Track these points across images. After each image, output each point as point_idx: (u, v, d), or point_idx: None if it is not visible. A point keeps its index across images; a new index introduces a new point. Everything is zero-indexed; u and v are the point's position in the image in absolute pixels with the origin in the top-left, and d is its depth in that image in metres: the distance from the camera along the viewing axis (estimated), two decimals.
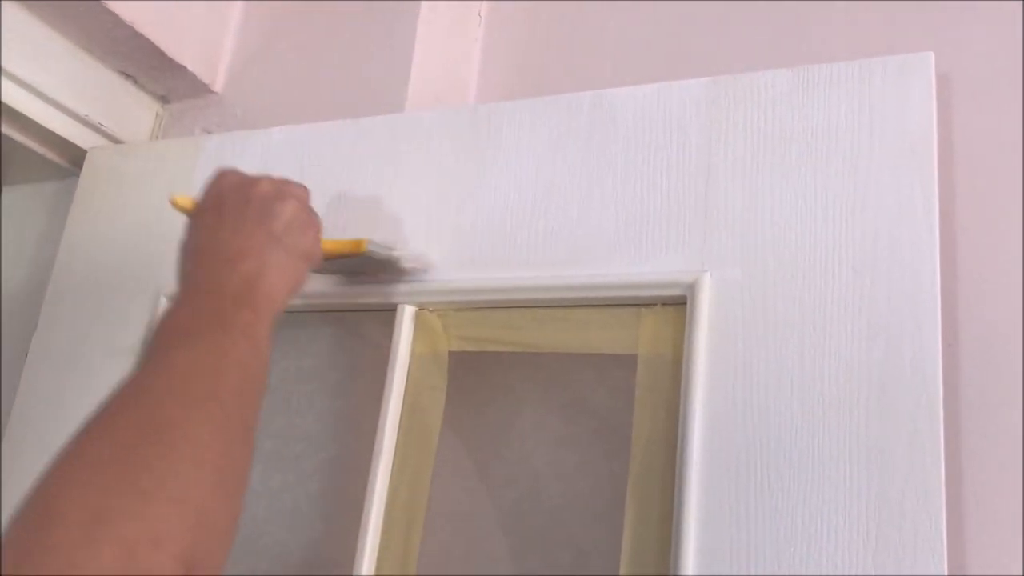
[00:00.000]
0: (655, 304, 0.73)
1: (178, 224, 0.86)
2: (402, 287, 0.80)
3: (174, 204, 0.71)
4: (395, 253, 0.79)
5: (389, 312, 0.80)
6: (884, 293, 0.65)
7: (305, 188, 0.69)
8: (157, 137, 1.11)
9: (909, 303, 0.64)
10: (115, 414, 0.48)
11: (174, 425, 0.48)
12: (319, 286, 0.82)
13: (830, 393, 0.64)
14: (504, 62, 1.06)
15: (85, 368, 0.92)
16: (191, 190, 0.92)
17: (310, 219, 0.68)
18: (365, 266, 0.79)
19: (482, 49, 1.07)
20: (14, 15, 0.96)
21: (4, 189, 1.17)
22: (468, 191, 0.81)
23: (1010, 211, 0.73)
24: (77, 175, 1.08)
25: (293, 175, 0.87)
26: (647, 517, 0.67)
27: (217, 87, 1.09)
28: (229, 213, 0.64)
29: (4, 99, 0.97)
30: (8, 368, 1.03)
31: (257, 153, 0.92)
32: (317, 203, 0.85)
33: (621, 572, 0.66)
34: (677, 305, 0.72)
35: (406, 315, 0.80)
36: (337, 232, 0.81)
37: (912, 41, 0.83)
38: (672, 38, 0.98)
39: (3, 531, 0.43)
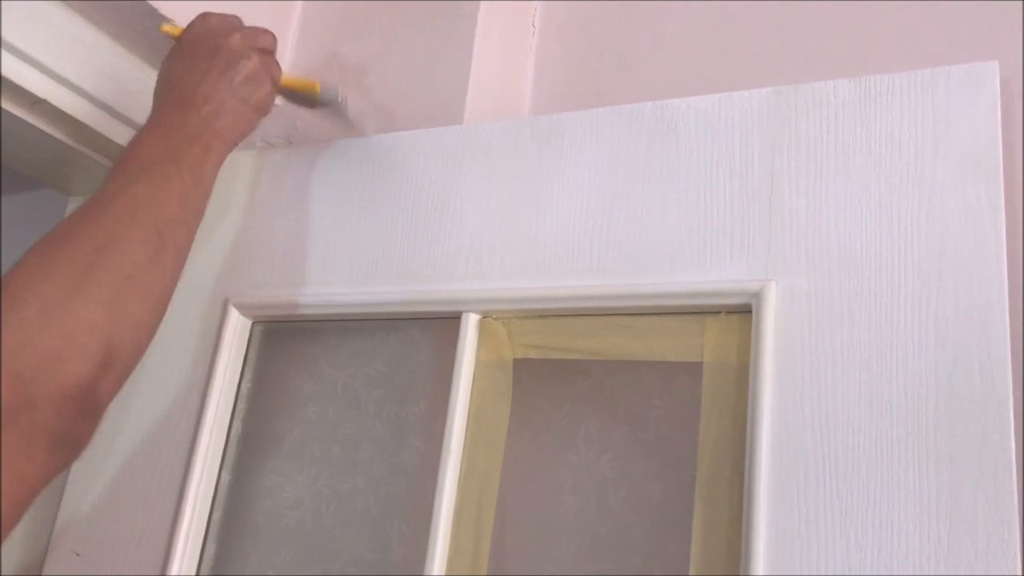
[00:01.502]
0: (719, 312, 0.74)
1: (242, 236, 0.90)
2: (465, 295, 0.82)
3: (162, 30, 0.84)
4: (340, 95, 0.91)
5: (454, 320, 0.82)
6: (951, 302, 0.65)
7: (272, 37, 0.82)
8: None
9: (977, 311, 0.64)
10: (74, 227, 0.62)
11: (117, 242, 0.61)
12: (385, 297, 0.85)
13: (898, 401, 0.64)
14: (558, 71, 1.07)
15: (151, 372, 0.94)
16: (254, 202, 0.95)
17: (267, 74, 0.80)
18: (315, 104, 0.90)
19: (536, 58, 1.08)
20: (82, 32, 0.99)
21: (71, 199, 1.20)
22: (531, 201, 0.83)
23: None
24: None
25: (357, 187, 0.90)
26: (715, 522, 0.69)
27: (277, 99, 1.11)
28: (200, 58, 0.76)
29: (72, 112, 1.00)
30: None
31: (322, 166, 0.94)
32: (385, 211, 0.88)
33: (692, 565, 0.67)
34: (741, 313, 0.73)
35: (470, 323, 0.82)
36: (410, 239, 0.84)
37: (968, 46, 0.84)
38: (723, 47, 0.99)
39: None
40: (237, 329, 0.92)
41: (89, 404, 0.57)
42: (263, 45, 0.80)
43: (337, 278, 0.88)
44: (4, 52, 0.92)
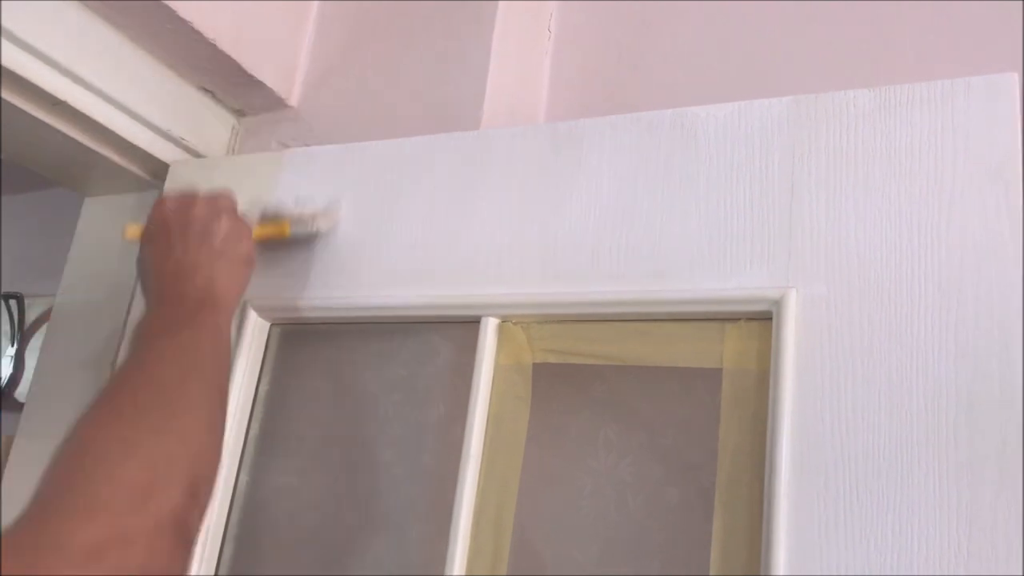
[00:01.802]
0: (739, 319, 0.75)
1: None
2: (486, 300, 0.83)
3: (126, 234, 0.85)
4: (314, 228, 0.91)
5: (473, 324, 0.83)
6: (971, 312, 0.66)
7: (231, 198, 0.83)
8: (233, 151, 1.14)
9: (996, 321, 0.65)
10: (127, 379, 0.64)
11: (174, 387, 0.63)
12: (404, 301, 0.85)
13: (918, 409, 0.65)
14: (573, 76, 1.08)
15: None
16: (273, 204, 0.95)
17: (243, 229, 0.82)
18: (293, 241, 0.91)
19: (552, 64, 1.09)
20: (102, 34, 1.00)
21: (86, 200, 1.20)
22: (550, 206, 0.83)
23: None
24: (157, 187, 1.12)
25: (374, 190, 0.91)
26: (735, 527, 0.69)
27: (293, 101, 1.12)
28: (175, 237, 0.78)
29: (91, 114, 1.01)
30: (94, 380, 1.07)
31: (340, 169, 0.94)
32: (403, 215, 0.89)
33: (712, 572, 0.68)
34: (761, 320, 0.74)
35: (490, 327, 0.82)
36: (429, 244, 0.85)
37: (987, 57, 0.84)
38: (740, 53, 1.00)
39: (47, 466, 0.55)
40: (256, 331, 0.93)
41: (183, 536, 0.56)
42: (225, 205, 0.81)
43: (356, 281, 0.89)
44: (24, 53, 0.93)
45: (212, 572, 0.87)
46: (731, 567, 0.68)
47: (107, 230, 1.17)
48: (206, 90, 1.11)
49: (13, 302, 1.60)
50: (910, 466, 0.64)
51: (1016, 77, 0.70)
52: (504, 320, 0.83)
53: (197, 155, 1.10)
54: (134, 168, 1.11)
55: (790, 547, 0.65)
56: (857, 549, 0.64)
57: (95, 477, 0.53)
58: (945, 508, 0.62)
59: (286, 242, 0.91)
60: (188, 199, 0.81)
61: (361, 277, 0.89)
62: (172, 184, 1.06)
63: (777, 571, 0.65)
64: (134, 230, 0.83)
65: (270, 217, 0.92)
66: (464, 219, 0.86)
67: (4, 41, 0.90)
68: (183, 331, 0.69)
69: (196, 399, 0.64)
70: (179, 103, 1.08)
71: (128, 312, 1.05)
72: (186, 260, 0.76)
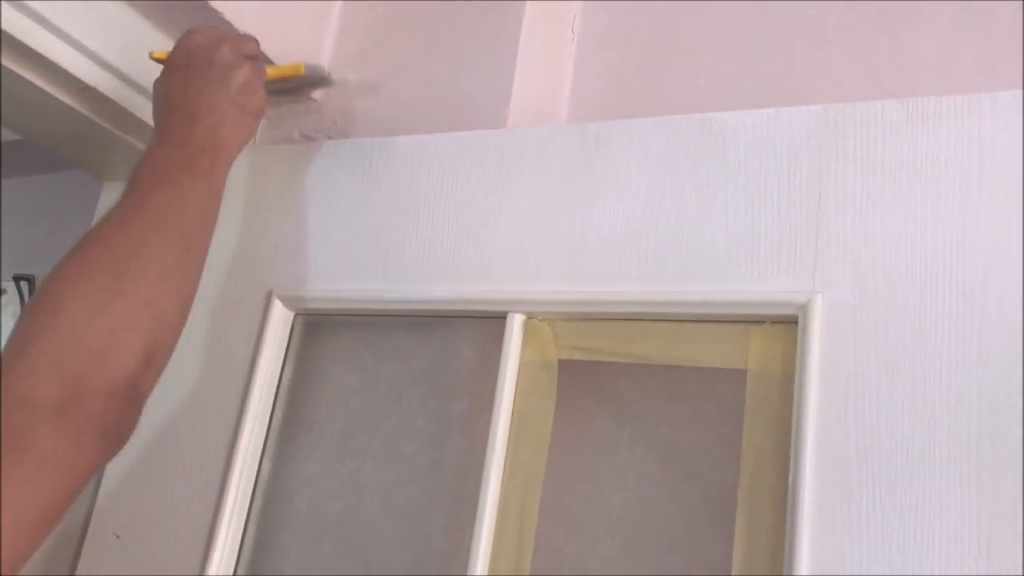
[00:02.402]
0: (764, 322, 0.76)
1: (286, 230, 0.92)
2: (512, 296, 0.84)
3: (152, 56, 0.89)
4: (326, 69, 0.98)
5: (499, 320, 0.84)
6: (994, 320, 0.68)
7: (256, 43, 0.87)
8: (255, 141, 1.15)
9: (1019, 331, 0.67)
10: (106, 235, 0.67)
11: (149, 247, 0.67)
12: (430, 295, 0.86)
13: (941, 415, 0.67)
14: (596, 79, 1.09)
15: (192, 360, 0.96)
16: (299, 195, 0.97)
17: (259, 79, 0.85)
18: (305, 85, 0.99)
19: (574, 66, 1.10)
20: (122, 15, 1.00)
21: (105, 185, 1.21)
22: (578, 206, 0.85)
23: None
24: None
25: (403, 185, 0.92)
26: (758, 526, 0.71)
27: (316, 94, 1.13)
28: (196, 73, 0.80)
29: (116, 98, 1.01)
30: None
31: (366, 163, 0.95)
32: (431, 211, 0.90)
33: (734, 573, 0.70)
34: (786, 324, 0.75)
35: (516, 323, 0.83)
36: (457, 240, 0.87)
37: (1011, 71, 0.86)
38: (761, 59, 1.01)
39: (18, 318, 0.61)
40: (280, 321, 0.94)
41: (133, 397, 0.62)
42: (250, 52, 0.85)
43: (383, 275, 0.90)
44: (51, 35, 0.93)
45: (235, 558, 0.88)
46: (754, 566, 0.70)
47: None
48: None
49: (24, 283, 1.60)
50: (932, 472, 0.66)
51: None
52: (530, 317, 0.84)
53: None
54: None
55: (813, 547, 0.67)
56: (879, 552, 0.65)
57: (58, 337, 0.59)
58: (966, 515, 0.64)
59: (298, 82, 0.98)
60: (216, 37, 0.83)
61: (388, 271, 0.90)
62: None
63: (800, 571, 0.66)
64: (160, 53, 0.86)
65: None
66: (492, 216, 0.88)
67: (35, 24, 0.90)
68: (174, 179, 0.72)
69: (171, 264, 0.67)
70: None
71: None
72: (201, 101, 0.78)
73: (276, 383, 0.93)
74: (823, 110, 0.79)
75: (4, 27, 0.86)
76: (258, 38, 1.03)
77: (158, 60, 0.86)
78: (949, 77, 0.89)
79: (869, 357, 0.70)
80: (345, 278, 0.92)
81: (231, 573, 0.87)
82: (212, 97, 0.79)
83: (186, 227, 0.71)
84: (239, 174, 1.03)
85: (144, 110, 1.04)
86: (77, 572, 0.94)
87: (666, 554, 0.75)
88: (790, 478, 0.69)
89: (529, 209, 0.86)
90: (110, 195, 1.21)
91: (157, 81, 0.83)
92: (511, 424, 0.81)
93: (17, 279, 1.58)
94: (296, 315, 0.96)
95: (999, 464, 0.64)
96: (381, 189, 0.94)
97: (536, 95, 1.04)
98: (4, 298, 1.71)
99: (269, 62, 0.98)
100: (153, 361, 0.64)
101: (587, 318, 0.82)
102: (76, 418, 0.57)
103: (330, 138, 1.07)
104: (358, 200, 0.95)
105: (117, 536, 0.91)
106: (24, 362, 0.58)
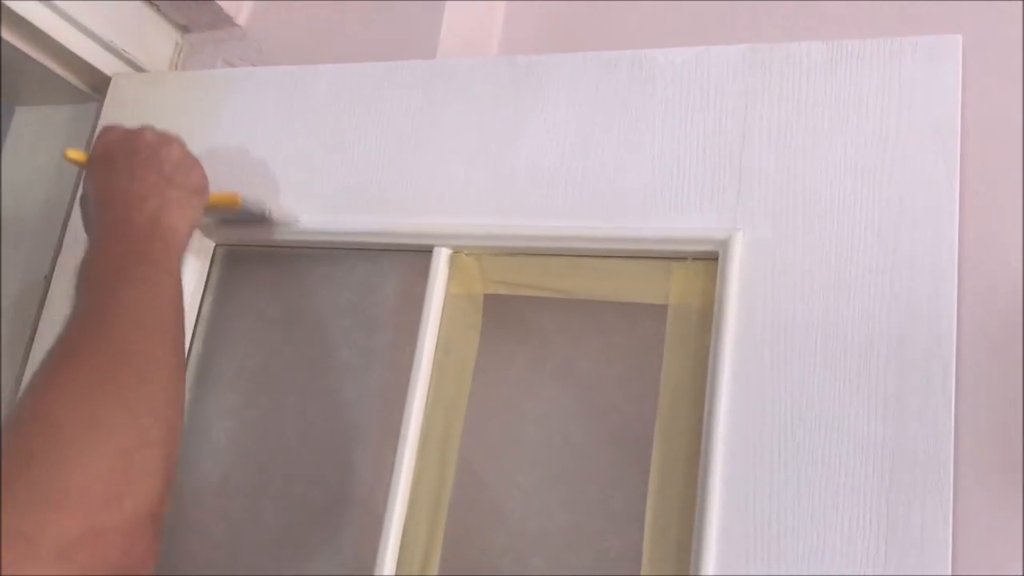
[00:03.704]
0: (686, 258, 0.77)
1: (207, 160, 0.89)
2: (438, 229, 0.83)
3: (67, 157, 0.79)
4: (266, 208, 0.86)
5: (425, 253, 0.84)
6: (906, 257, 0.70)
7: (179, 138, 0.77)
8: (177, 67, 1.11)
9: (929, 268, 0.69)
10: (86, 342, 0.56)
11: (140, 352, 0.56)
12: (354, 226, 0.85)
13: (852, 347, 0.69)
14: (528, 13, 1.08)
15: None
16: (221, 124, 0.94)
17: (194, 160, 0.76)
18: (241, 216, 0.87)
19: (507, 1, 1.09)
20: None
21: (18, 110, 1.16)
22: (506, 140, 0.84)
23: (1012, 187, 0.78)
24: (96, 100, 1.09)
25: (327, 114, 0.90)
26: (674, 456, 0.73)
27: (240, 20, 1.10)
28: (121, 163, 0.71)
29: (28, 17, 0.97)
30: (30, 290, 1.04)
31: (291, 91, 0.93)
32: (357, 141, 0.88)
33: (649, 502, 0.72)
34: (707, 260, 0.77)
35: (442, 256, 0.83)
36: (382, 171, 0.85)
37: (932, 17, 0.88)
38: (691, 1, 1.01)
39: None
40: (199, 252, 0.92)
41: (157, 529, 0.51)
42: (174, 136, 0.76)
43: (306, 206, 0.88)
44: None
45: None
46: (669, 494, 0.72)
47: (41, 141, 1.13)
48: (151, 2, 1.07)
49: None
50: (841, 401, 0.68)
51: (959, 39, 0.74)
52: (456, 250, 0.84)
53: (139, 69, 1.07)
54: (73, 79, 1.07)
55: (726, 475, 0.69)
56: (788, 477, 0.68)
57: (65, 464, 0.47)
58: (871, 440, 0.66)
59: (234, 214, 0.86)
60: (135, 129, 0.76)
61: (312, 201, 0.88)
62: (113, 98, 1.03)
63: (713, 498, 0.68)
64: (76, 154, 0.79)
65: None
66: (419, 147, 0.87)
67: None
68: (136, 273, 0.62)
69: (162, 362, 0.57)
70: (123, 14, 1.05)
71: (64, 225, 1.02)
72: (132, 188, 0.70)
73: (195, 315, 0.92)
74: (751, 49, 0.79)
75: None
76: None
77: (74, 161, 0.79)
78: (874, 23, 0.90)
79: (786, 292, 0.72)
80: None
81: None
82: (144, 181, 0.70)
83: (164, 322, 0.61)
84: (161, 102, 1.00)
85: (61, 32, 1.00)
86: None
87: (584, 483, 0.76)
88: (705, 410, 0.71)
89: (457, 141, 0.86)
90: (24, 120, 1.16)
91: (82, 188, 0.74)
92: (435, 356, 0.81)
93: None
94: (216, 246, 0.94)
95: (904, 392, 0.67)
96: (306, 118, 0.92)
97: (467, 27, 1.03)
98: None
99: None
100: (172, 480, 0.53)
101: (513, 253, 0.82)
102: (84, 561, 0.45)
103: (254, 66, 1.04)
104: (282, 129, 0.92)
105: None
106: (15, 494, 0.45)
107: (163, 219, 0.69)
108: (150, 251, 0.66)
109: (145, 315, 0.59)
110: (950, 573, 0.62)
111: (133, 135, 0.74)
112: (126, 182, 0.70)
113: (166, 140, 0.75)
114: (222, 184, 0.90)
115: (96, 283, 0.62)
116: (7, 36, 0.98)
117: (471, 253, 0.83)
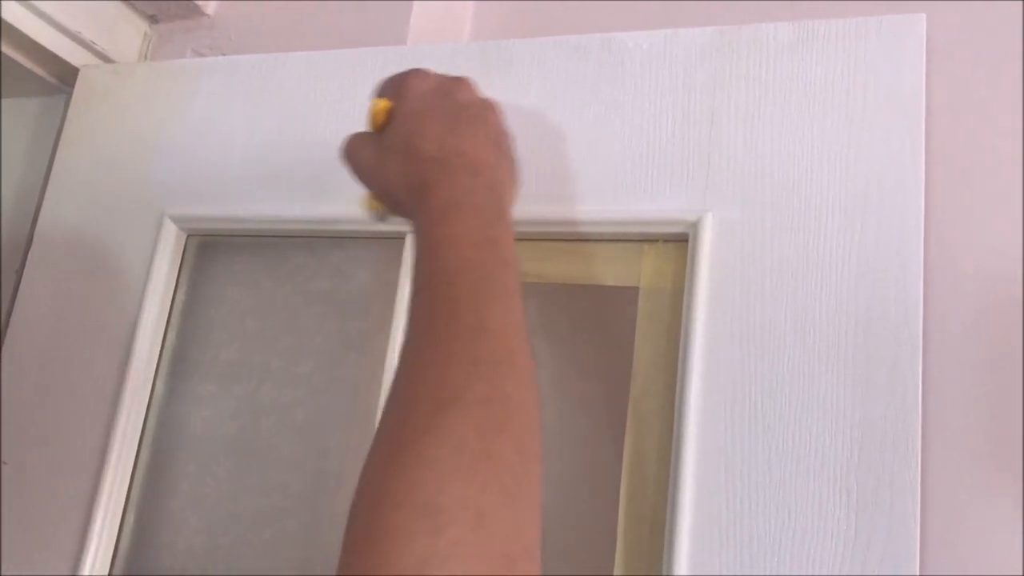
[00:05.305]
0: (657, 240, 0.78)
1: (179, 151, 0.88)
2: None
3: (375, 106, 0.62)
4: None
5: (398, 240, 0.84)
6: (873, 236, 0.70)
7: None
8: (145, 57, 1.11)
9: (895, 246, 0.70)
10: (467, 390, 0.42)
11: (519, 410, 0.43)
12: (326, 215, 0.85)
13: (821, 325, 0.70)
14: (498, 1, 1.08)
15: (84, 281, 0.93)
16: (192, 114, 0.94)
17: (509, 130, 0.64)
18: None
19: None
20: None
21: None
22: None
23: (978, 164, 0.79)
24: (64, 92, 1.08)
25: (301, 103, 0.90)
26: (647, 431, 0.73)
27: (209, 10, 1.09)
28: (449, 119, 0.58)
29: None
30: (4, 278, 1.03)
31: (263, 80, 0.93)
32: (328, 128, 0.88)
33: (624, 476, 0.72)
34: (677, 242, 0.77)
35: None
36: None
37: None
38: None
39: (356, 521, 0.40)
40: (172, 242, 0.92)
41: None
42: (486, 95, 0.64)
43: (278, 194, 0.88)
44: None
45: (128, 477, 0.86)
46: (642, 471, 0.72)
47: (9, 134, 1.12)
48: None
49: None
50: (811, 378, 0.69)
51: (923, 18, 0.74)
52: None
53: (108, 60, 1.06)
54: (41, 71, 1.06)
55: (698, 454, 0.69)
56: (759, 456, 0.68)
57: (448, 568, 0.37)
58: (840, 418, 0.67)
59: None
60: (450, 78, 0.63)
61: (284, 190, 0.88)
62: (83, 89, 1.02)
63: (686, 476, 0.69)
64: (382, 104, 0.61)
65: None
66: None
67: None
68: (498, 280, 0.48)
69: (536, 420, 0.44)
70: (90, 5, 1.04)
71: (34, 217, 1.01)
72: (471, 151, 0.56)
73: (169, 305, 0.91)
74: (719, 32, 0.80)
75: None
76: None
77: (379, 111, 0.61)
78: (844, 4, 0.91)
79: (756, 273, 0.73)
80: (239, 198, 0.90)
81: (124, 494, 0.86)
82: (482, 146, 0.58)
83: (529, 364, 0.46)
84: (131, 93, 1.00)
85: (27, 24, 0.99)
86: None
87: (560, 462, 0.76)
88: (677, 390, 0.71)
89: None
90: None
91: (368, 137, 0.61)
92: None
93: None
94: (189, 236, 0.94)
95: (872, 370, 0.67)
96: (276, 107, 0.92)
97: (438, 14, 1.03)
98: None
99: None
100: None
101: None
102: None
103: (224, 55, 1.03)
104: (253, 118, 0.92)
105: (5, 463, 0.89)
106: None
107: (505, 195, 0.56)
108: (500, 240, 0.52)
109: (516, 347, 0.45)
110: (919, 547, 0.63)
111: (453, 87, 0.61)
112: (464, 142, 0.57)
113: (488, 101, 0.63)
114: (187, 175, 0.90)
115: (456, 287, 0.48)
116: None
117: None
